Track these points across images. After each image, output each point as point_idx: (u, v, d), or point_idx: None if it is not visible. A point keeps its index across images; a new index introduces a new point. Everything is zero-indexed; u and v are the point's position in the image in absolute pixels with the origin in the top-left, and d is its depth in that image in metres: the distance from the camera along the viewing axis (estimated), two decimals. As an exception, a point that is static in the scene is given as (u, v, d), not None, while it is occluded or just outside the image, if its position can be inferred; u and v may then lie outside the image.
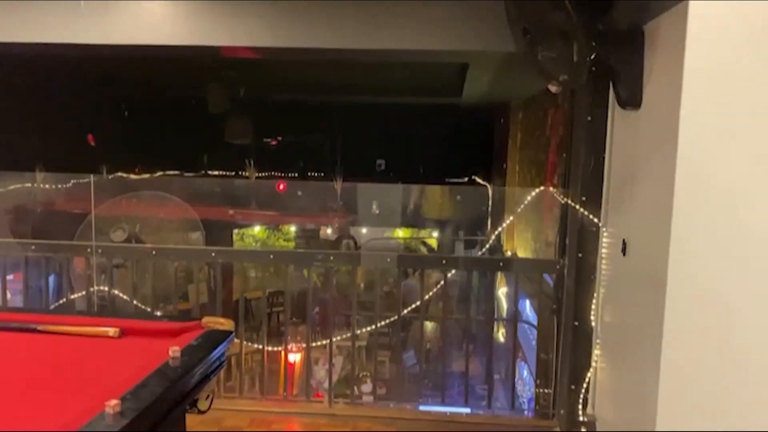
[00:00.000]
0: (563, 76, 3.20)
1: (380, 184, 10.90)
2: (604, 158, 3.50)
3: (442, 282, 4.13)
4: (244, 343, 4.43)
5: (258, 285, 6.21)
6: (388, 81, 7.47)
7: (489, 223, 10.20)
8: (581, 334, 3.70)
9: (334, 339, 4.36)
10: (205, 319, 2.49)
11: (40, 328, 2.40)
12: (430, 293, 4.38)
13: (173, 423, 2.01)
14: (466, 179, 11.56)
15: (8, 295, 4.69)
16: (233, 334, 2.39)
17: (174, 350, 2.06)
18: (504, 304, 6.94)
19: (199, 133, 9.85)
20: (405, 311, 4.18)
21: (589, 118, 3.52)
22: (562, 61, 3.07)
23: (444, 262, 4.03)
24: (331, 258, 4.12)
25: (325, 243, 12.20)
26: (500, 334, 7.10)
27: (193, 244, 7.71)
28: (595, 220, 3.57)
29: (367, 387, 7.66)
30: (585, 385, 3.69)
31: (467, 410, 4.48)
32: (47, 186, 6.12)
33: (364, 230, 12.00)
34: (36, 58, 5.33)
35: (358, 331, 4.34)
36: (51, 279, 5.30)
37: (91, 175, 4.88)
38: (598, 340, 3.63)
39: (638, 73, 2.93)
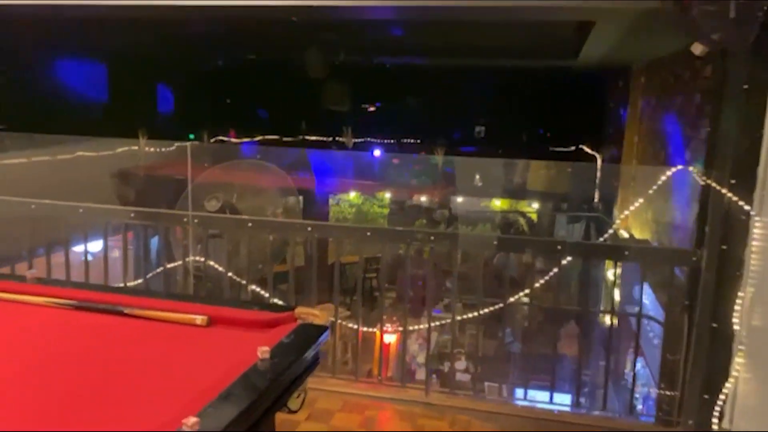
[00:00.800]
0: (716, 34, 2.71)
1: (480, 158, 10.40)
2: (762, 135, 2.95)
3: (556, 269, 3.72)
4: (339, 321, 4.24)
5: (353, 249, 6.05)
6: (496, 42, 6.94)
7: (597, 196, 9.50)
8: (720, 338, 3.23)
9: (432, 324, 4.07)
10: (299, 310, 2.26)
11: (126, 311, 2.26)
12: (540, 281, 3.97)
13: (261, 425, 1.80)
14: (573, 148, 10.84)
15: (117, 253, 4.73)
16: (328, 330, 2.14)
17: (263, 351, 1.84)
18: (614, 289, 6.36)
19: (298, 99, 9.74)
20: (511, 299, 3.82)
21: (746, 87, 2.97)
22: (721, 16, 2.59)
23: (559, 247, 3.60)
24: (431, 238, 3.81)
25: (420, 211, 11.92)
26: (606, 320, 6.56)
27: (290, 210, 7.67)
28: (746, 207, 3.05)
29: (460, 364, 7.41)
30: (723, 396, 3.21)
31: (567, 407, 4.11)
32: (150, 150, 6.17)
33: (459, 199, 11.61)
34: (133, 21, 5.28)
35: (459, 317, 4.02)
36: (154, 241, 5.34)
37: (188, 143, 4.80)
38: (741, 347, 3.14)
39: (825, 34, 2.39)
